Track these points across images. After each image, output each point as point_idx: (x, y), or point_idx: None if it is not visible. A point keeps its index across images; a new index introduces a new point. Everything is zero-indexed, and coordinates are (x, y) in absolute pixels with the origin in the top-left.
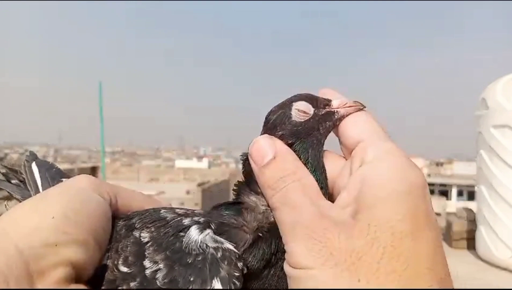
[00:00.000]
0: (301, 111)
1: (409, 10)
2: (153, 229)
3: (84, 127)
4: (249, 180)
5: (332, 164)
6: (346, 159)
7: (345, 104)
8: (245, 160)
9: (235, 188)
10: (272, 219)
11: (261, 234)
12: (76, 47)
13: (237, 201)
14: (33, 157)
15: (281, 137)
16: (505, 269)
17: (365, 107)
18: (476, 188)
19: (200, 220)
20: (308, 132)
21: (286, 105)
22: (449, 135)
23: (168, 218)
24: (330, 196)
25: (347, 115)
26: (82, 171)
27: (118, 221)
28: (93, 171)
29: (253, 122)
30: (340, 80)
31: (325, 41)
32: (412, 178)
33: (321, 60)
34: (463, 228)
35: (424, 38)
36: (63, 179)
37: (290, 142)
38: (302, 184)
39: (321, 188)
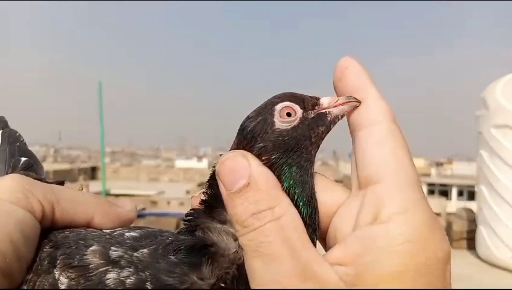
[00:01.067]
0: (286, 115)
1: (408, 9)
2: (73, 277)
3: (84, 127)
4: (216, 204)
5: (330, 194)
6: (359, 188)
7: (337, 101)
8: (212, 177)
9: (190, 217)
10: (243, 259)
11: (223, 284)
12: (76, 46)
13: (203, 244)
14: (1, 125)
15: (261, 151)
16: (505, 269)
17: (360, 102)
18: (476, 188)
19: (128, 280)
20: (297, 142)
21: (266, 109)
22: (449, 135)
23: (92, 266)
24: (322, 235)
25: (342, 116)
26: (82, 171)
27: (47, 244)
28: (93, 171)
29: None
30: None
31: (324, 42)
32: (431, 252)
33: (320, 61)
34: (463, 228)
35: (423, 37)
36: (22, 158)
37: (273, 157)
38: (281, 225)
39: (308, 227)
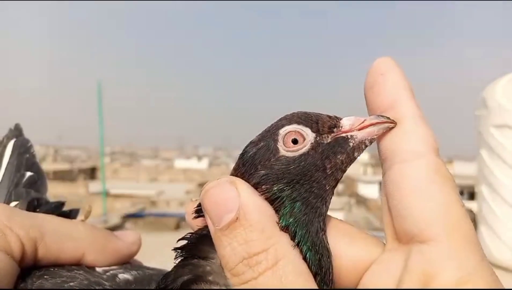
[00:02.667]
0: (291, 141)
1: (407, 8)
2: None
3: (84, 127)
4: (204, 240)
5: (360, 247)
6: (397, 240)
7: (363, 122)
8: (199, 209)
9: (180, 254)
10: None
11: None
12: (76, 46)
13: None
14: (15, 133)
15: (262, 180)
16: (505, 269)
17: (395, 123)
18: (476, 188)
19: None
20: (306, 173)
21: (270, 134)
22: (449, 135)
23: None
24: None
25: (371, 141)
26: (81, 171)
27: None
28: (92, 171)
29: (254, 121)
30: (336, 81)
31: (322, 42)
32: None
33: (319, 61)
34: None
35: (423, 37)
36: (27, 174)
37: (274, 188)
38: (280, 275)
39: (315, 276)
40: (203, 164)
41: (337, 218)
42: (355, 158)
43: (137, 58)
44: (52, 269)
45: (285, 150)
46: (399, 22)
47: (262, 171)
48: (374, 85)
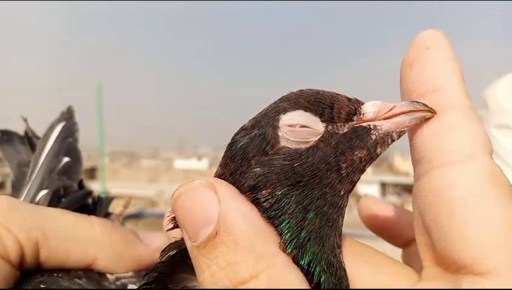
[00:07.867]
0: (297, 129)
1: (407, 8)
2: None
3: (84, 127)
4: (181, 264)
5: (387, 273)
6: (437, 264)
7: (392, 109)
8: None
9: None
10: None
11: None
12: (76, 46)
13: None
14: (66, 116)
15: (259, 181)
16: None
17: (434, 113)
18: None
19: None
20: (315, 174)
21: (267, 119)
22: None
23: None
24: None
25: (399, 134)
26: None
27: None
28: (92, 171)
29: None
30: (335, 80)
31: (322, 40)
32: None
33: (320, 59)
34: None
35: None
36: (64, 159)
37: (279, 193)
38: None
39: None
40: (203, 164)
41: (353, 239)
42: (377, 156)
43: (137, 58)
44: (55, 275)
45: (288, 140)
46: (397, 21)
47: (258, 169)
48: (415, 61)
